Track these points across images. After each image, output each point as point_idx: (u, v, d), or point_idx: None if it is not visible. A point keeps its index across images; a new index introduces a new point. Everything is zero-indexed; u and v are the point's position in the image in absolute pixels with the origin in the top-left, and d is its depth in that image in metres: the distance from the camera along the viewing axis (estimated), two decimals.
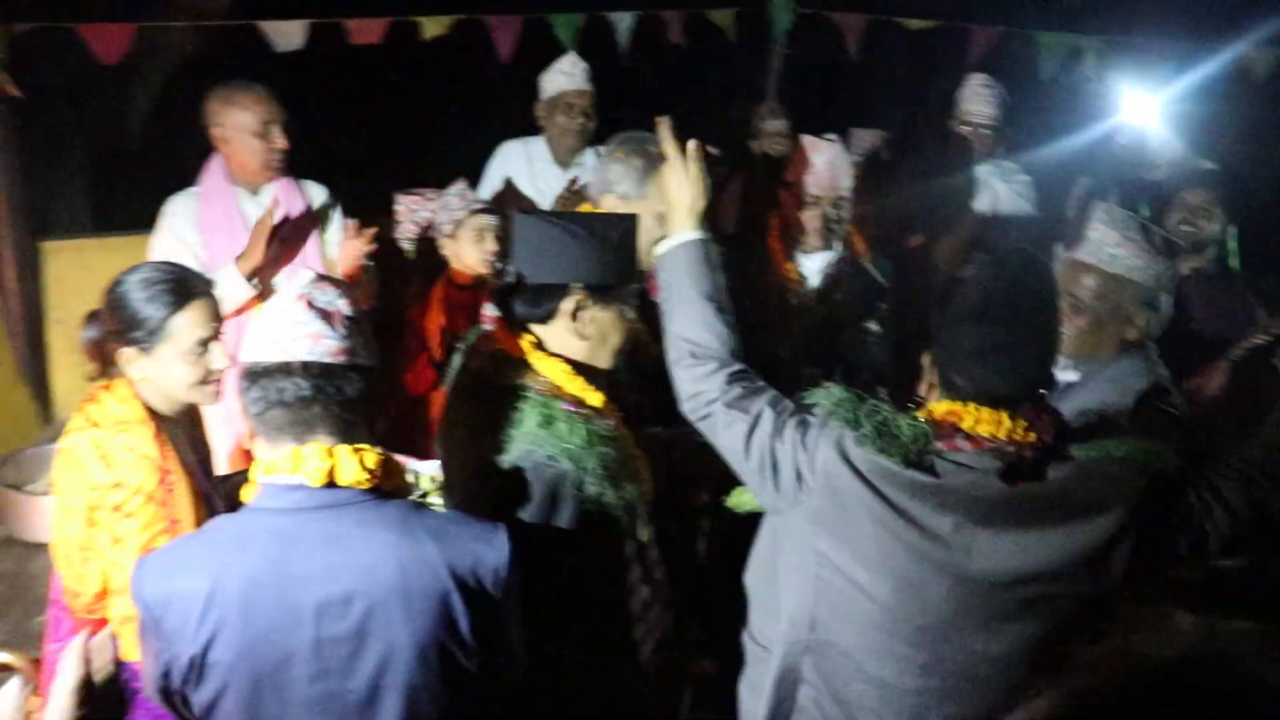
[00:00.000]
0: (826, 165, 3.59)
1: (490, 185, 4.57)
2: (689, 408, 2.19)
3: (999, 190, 4.77)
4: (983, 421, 1.95)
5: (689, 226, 2.26)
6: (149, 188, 3.98)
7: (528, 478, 2.14)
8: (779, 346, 3.62)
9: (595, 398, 2.27)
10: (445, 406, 2.34)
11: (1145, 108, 4.96)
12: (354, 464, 1.78)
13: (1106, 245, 2.74)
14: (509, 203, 4.44)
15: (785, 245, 3.70)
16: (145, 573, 1.79)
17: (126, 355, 2.37)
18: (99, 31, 4.37)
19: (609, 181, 2.86)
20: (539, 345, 2.29)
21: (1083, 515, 1.92)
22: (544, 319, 2.28)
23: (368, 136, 5.29)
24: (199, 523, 2.33)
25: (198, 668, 1.77)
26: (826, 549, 2.00)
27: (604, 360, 2.34)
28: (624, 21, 5.44)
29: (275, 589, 1.74)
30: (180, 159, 3.92)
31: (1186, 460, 2.06)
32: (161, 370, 2.38)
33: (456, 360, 2.37)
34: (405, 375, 3.86)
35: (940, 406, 2.00)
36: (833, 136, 3.65)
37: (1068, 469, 1.98)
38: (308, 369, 1.78)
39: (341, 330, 1.82)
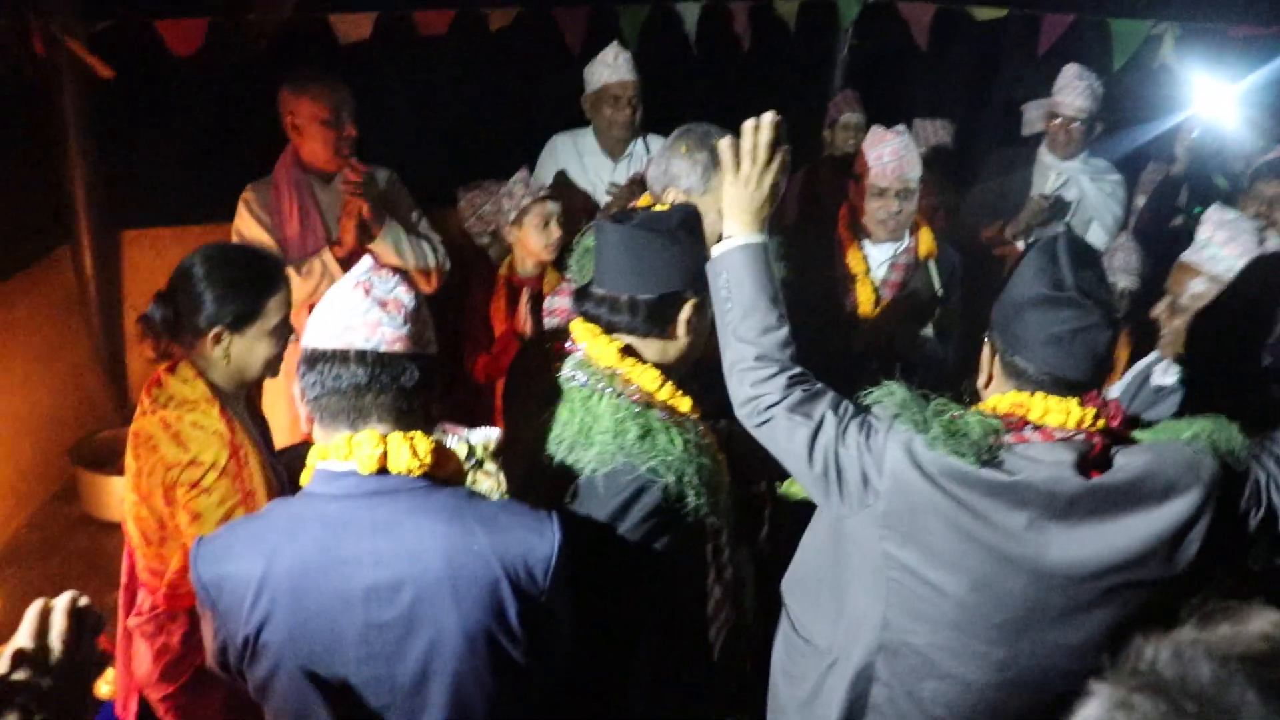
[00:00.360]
0: (893, 156, 3.55)
1: (541, 178, 4.57)
2: (746, 411, 2.15)
3: (1086, 189, 4.71)
4: (1051, 411, 1.93)
5: (752, 229, 2.19)
6: (223, 179, 4.06)
7: (627, 490, 2.09)
8: (841, 339, 3.60)
9: (685, 403, 2.23)
10: (519, 409, 2.31)
11: (1222, 97, 4.85)
12: (405, 451, 1.79)
13: (1213, 245, 2.70)
14: (562, 196, 4.46)
15: (853, 235, 3.67)
16: (201, 555, 1.82)
17: (213, 335, 2.40)
18: (173, 26, 4.48)
19: (673, 176, 2.80)
20: (629, 350, 2.23)
21: (1158, 500, 1.89)
22: (662, 333, 2.23)
23: (434, 128, 5.33)
24: (270, 496, 2.38)
25: (251, 647, 1.80)
26: (896, 551, 1.99)
27: (687, 363, 2.31)
28: (691, 13, 5.43)
29: (325, 573, 1.76)
30: (254, 150, 3.99)
31: (1253, 437, 2.02)
32: (247, 349, 2.43)
33: (531, 362, 2.36)
34: (471, 362, 3.91)
35: (1005, 399, 1.98)
36: (900, 128, 3.62)
37: (1139, 454, 1.94)
38: (364, 357, 1.79)
39: (399, 318, 1.82)
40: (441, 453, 1.86)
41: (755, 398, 2.12)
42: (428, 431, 1.86)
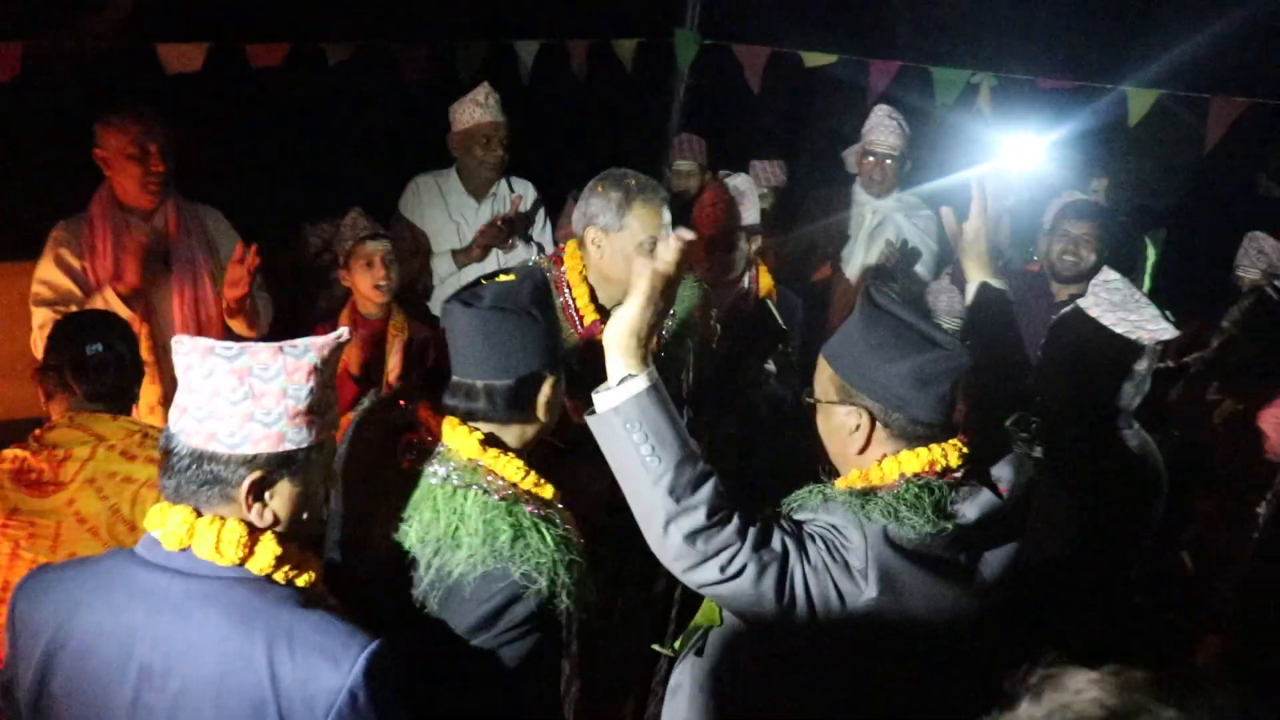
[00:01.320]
0: (731, 200, 3.64)
1: (404, 221, 4.51)
2: (707, 572, 1.93)
3: (902, 225, 4.89)
4: (950, 454, 2.02)
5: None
6: (40, 213, 3.87)
7: (499, 597, 1.95)
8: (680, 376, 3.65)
9: (548, 491, 2.10)
10: (363, 493, 2.17)
11: (1033, 142, 5.14)
12: (209, 538, 1.69)
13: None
14: (424, 240, 4.42)
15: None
16: (24, 586, 1.78)
17: None
18: None
19: (591, 214, 2.93)
20: (490, 439, 2.10)
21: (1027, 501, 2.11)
22: (523, 417, 2.13)
23: (267, 164, 5.20)
24: None
25: (34, 694, 1.73)
26: (878, 640, 1.99)
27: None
28: (528, 51, 5.46)
29: (110, 639, 1.68)
30: (75, 184, 3.82)
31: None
32: None
33: (353, 430, 2.23)
34: None
35: (909, 460, 2.01)
36: (734, 174, 3.70)
37: (1002, 467, 2.13)
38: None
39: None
40: (262, 546, 1.72)
41: (716, 555, 1.91)
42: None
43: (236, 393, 1.68)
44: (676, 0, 6.07)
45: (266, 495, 1.73)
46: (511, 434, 2.15)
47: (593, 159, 5.98)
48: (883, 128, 4.87)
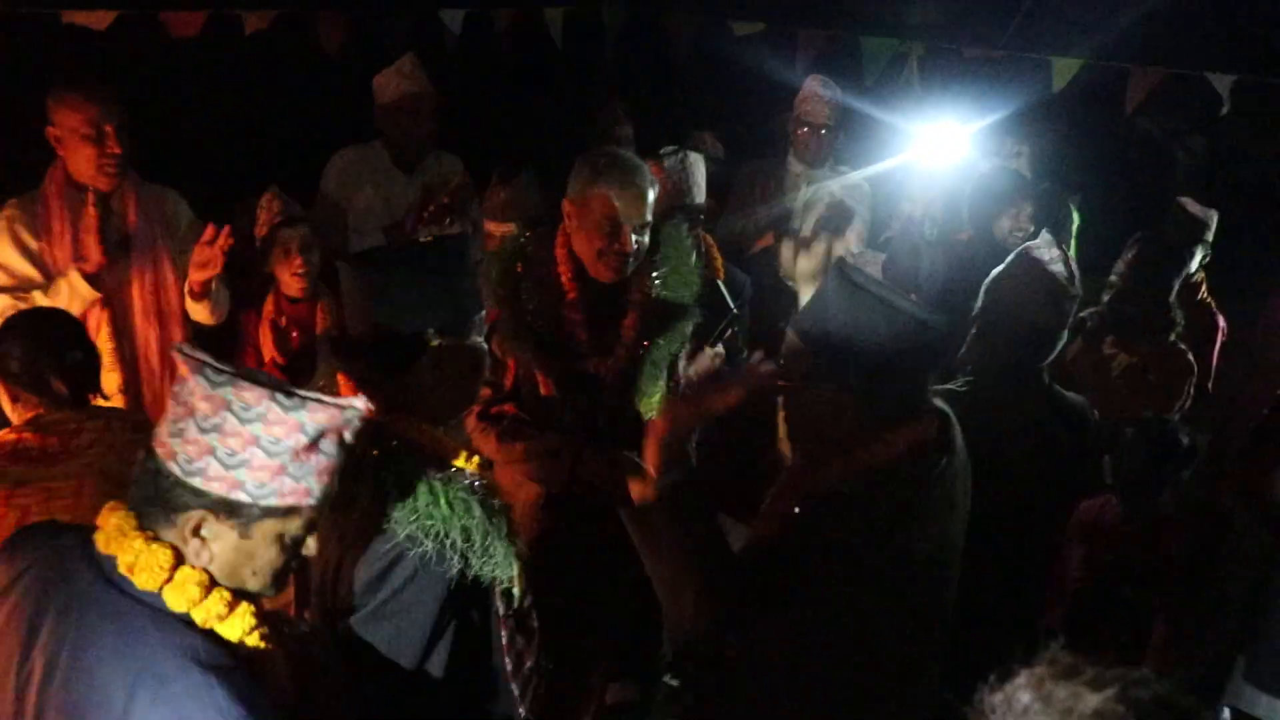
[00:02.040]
0: (676, 180, 3.55)
1: (329, 198, 4.37)
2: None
3: (836, 194, 4.89)
4: (930, 428, 2.04)
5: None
6: None
7: (383, 561, 1.93)
8: None
9: (461, 455, 2.08)
10: None
11: (964, 113, 5.16)
12: (132, 553, 1.59)
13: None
14: (345, 217, 4.29)
15: None
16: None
17: None
18: None
19: (569, 184, 2.97)
20: (394, 403, 2.06)
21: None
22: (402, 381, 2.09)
23: (188, 137, 5.01)
24: None
25: None
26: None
27: (449, 410, 2.20)
28: (454, 20, 5.34)
29: (30, 616, 1.61)
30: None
31: None
32: None
33: None
34: None
35: (894, 442, 1.98)
36: (675, 150, 3.62)
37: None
38: None
39: None
40: (186, 580, 1.60)
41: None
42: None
43: (207, 420, 1.56)
44: None
45: (206, 532, 1.60)
46: (404, 395, 2.09)
47: (520, 129, 5.95)
48: (815, 98, 4.86)
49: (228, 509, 1.59)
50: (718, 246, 3.85)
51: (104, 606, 1.57)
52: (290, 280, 3.71)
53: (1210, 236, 4.82)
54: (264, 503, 1.59)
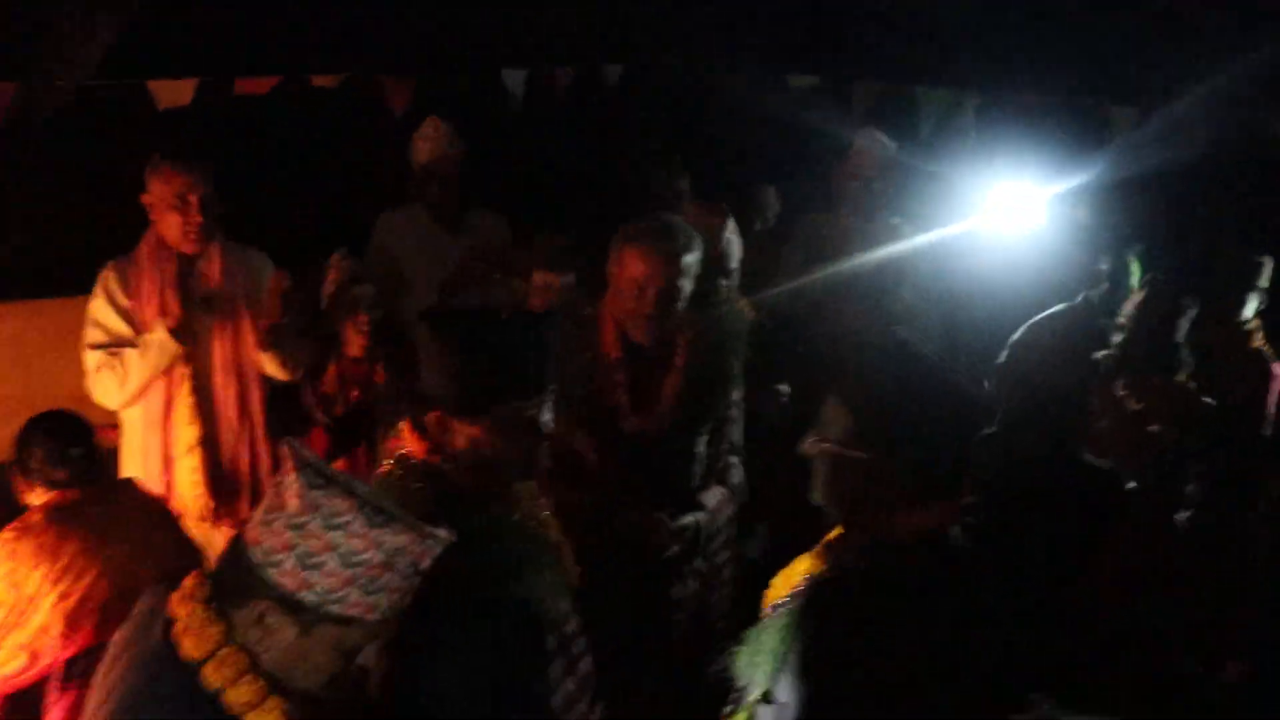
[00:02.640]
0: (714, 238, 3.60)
1: (374, 259, 4.46)
2: None
3: (890, 245, 4.92)
4: (953, 510, 1.96)
5: None
6: (38, 253, 3.90)
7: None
8: None
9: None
10: None
11: (1020, 162, 5.17)
12: (187, 620, 1.65)
13: None
14: (396, 277, 4.41)
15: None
16: None
17: None
18: None
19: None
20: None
21: None
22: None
23: (264, 197, 5.22)
24: None
25: None
26: None
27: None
28: (514, 79, 5.49)
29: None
30: (84, 221, 3.85)
31: None
32: None
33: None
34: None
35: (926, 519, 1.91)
36: (723, 207, 3.68)
37: None
38: None
39: None
40: (228, 662, 1.64)
41: None
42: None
43: (295, 518, 1.60)
44: (660, 27, 6.13)
45: (270, 622, 1.62)
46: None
47: (578, 189, 6.09)
48: (867, 151, 4.89)
49: (293, 606, 1.60)
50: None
51: (151, 660, 1.65)
52: (354, 337, 3.84)
53: (1264, 282, 4.75)
54: (327, 609, 1.61)
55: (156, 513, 3.12)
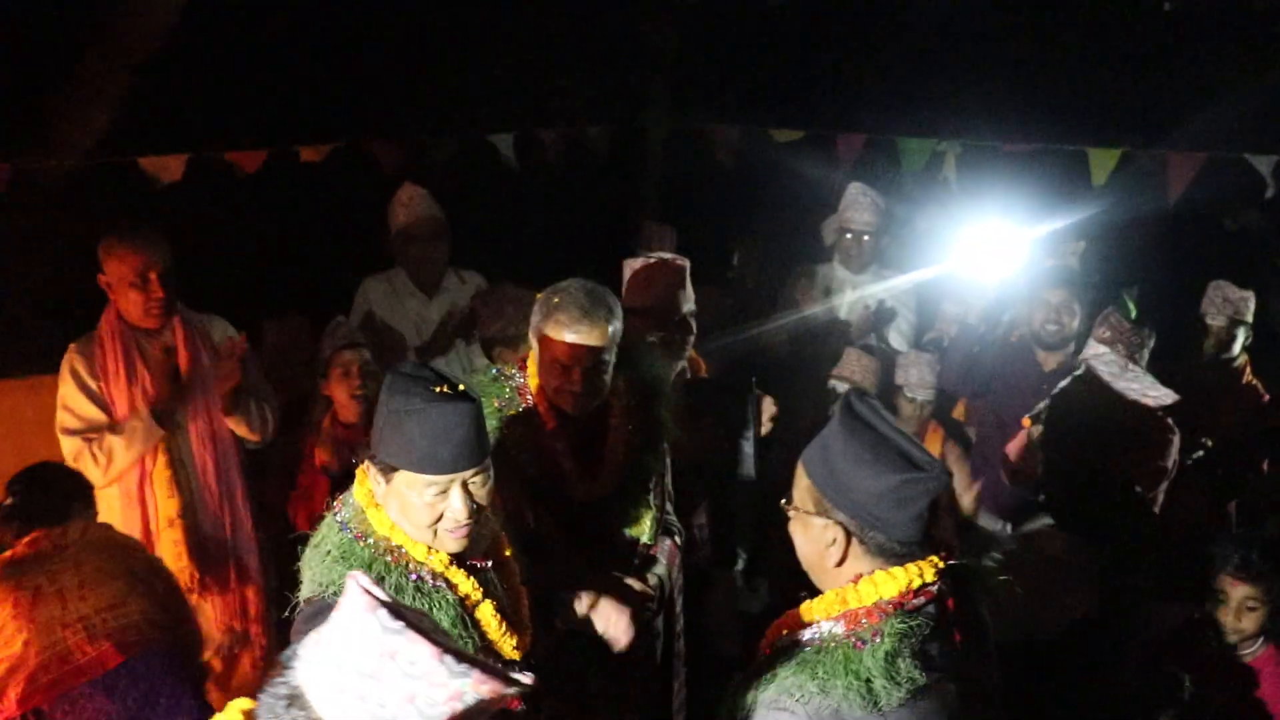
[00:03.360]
0: (667, 286, 3.64)
1: (356, 322, 4.51)
2: None
3: (879, 296, 5.00)
4: (928, 570, 1.96)
5: None
6: (44, 331, 3.96)
7: None
8: None
9: (438, 559, 2.16)
10: None
11: (1001, 209, 5.24)
12: None
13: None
14: (378, 339, 4.46)
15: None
16: None
17: None
18: None
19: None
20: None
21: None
22: None
23: (255, 267, 5.30)
24: None
25: None
26: None
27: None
28: (504, 143, 5.59)
29: None
30: (73, 301, 3.91)
31: None
32: None
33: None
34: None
35: (887, 582, 1.94)
36: (679, 259, 3.72)
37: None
38: None
39: None
40: None
41: None
42: None
43: (366, 665, 1.46)
44: (645, 85, 6.25)
45: None
46: None
47: (564, 245, 6.14)
48: (858, 205, 4.98)
49: None
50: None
51: None
52: (348, 402, 3.87)
53: (1249, 317, 4.81)
54: None
55: (126, 559, 3.03)
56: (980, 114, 5.86)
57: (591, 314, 2.80)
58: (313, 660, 1.51)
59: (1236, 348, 4.77)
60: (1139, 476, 3.57)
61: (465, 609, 2.14)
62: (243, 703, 1.68)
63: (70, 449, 3.58)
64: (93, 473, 3.50)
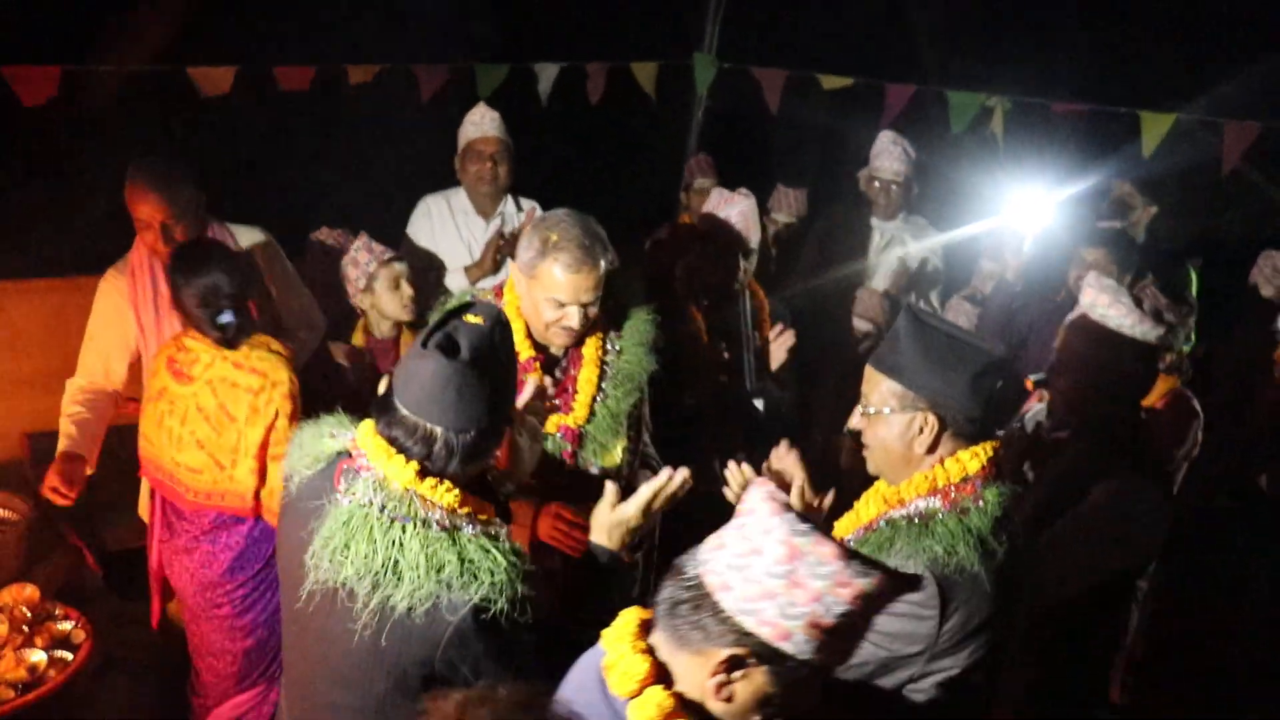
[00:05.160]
0: (740, 218, 3.72)
1: (416, 238, 4.62)
2: None
3: (909, 245, 4.98)
4: (994, 446, 2.26)
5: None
6: (88, 231, 4.02)
7: (451, 623, 1.93)
8: (686, 396, 3.70)
9: (487, 509, 2.11)
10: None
11: (1047, 170, 5.18)
12: (622, 663, 1.69)
13: (1099, 308, 3.02)
14: (427, 258, 4.52)
15: (693, 294, 3.78)
16: None
17: None
18: (23, 74, 4.38)
19: (520, 250, 2.89)
20: (425, 470, 2.02)
21: None
22: (473, 465, 2.10)
23: (297, 183, 5.35)
24: None
25: None
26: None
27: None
28: (548, 73, 5.58)
29: None
30: (110, 205, 3.97)
31: None
32: None
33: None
34: None
35: (971, 459, 2.23)
36: (744, 191, 3.78)
37: None
38: None
39: None
40: (654, 700, 1.68)
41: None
42: None
43: (777, 566, 1.57)
44: (695, 24, 6.19)
45: (737, 674, 1.62)
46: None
47: (610, 181, 6.15)
48: (887, 154, 4.97)
49: (771, 656, 1.59)
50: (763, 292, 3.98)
51: (591, 687, 1.71)
52: (399, 312, 3.93)
53: None
54: (805, 657, 1.59)
55: None
56: (1032, 71, 5.78)
57: (592, 252, 2.79)
58: (716, 563, 1.62)
59: None
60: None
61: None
62: (638, 612, 1.76)
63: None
64: None
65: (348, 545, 1.96)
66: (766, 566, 1.57)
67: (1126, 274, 4.16)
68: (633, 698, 1.65)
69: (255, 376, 3.26)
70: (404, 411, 2.01)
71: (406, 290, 3.94)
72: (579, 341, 2.98)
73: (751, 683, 1.62)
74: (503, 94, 5.23)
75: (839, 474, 2.82)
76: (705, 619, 1.61)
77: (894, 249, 4.99)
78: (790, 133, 6.55)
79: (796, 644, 1.57)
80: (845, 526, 2.40)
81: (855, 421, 2.33)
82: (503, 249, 4.45)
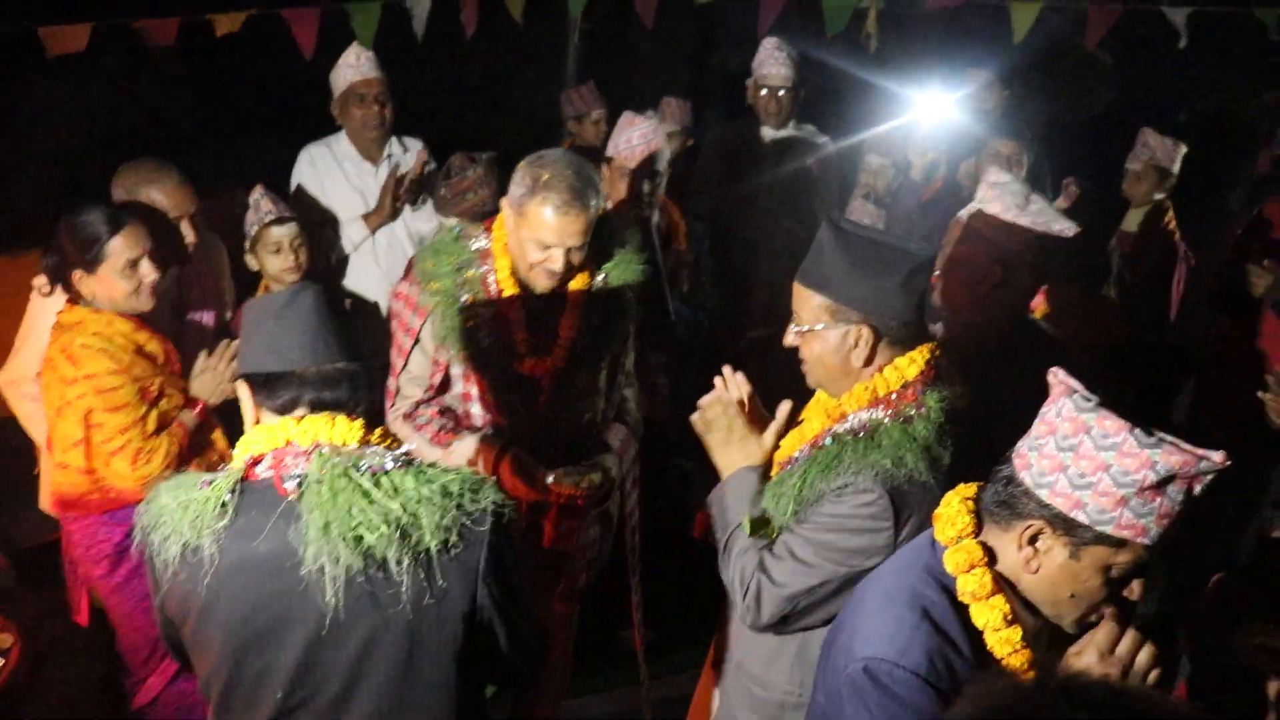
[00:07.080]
0: (642, 139, 3.71)
1: (304, 190, 4.47)
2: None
3: (801, 153, 5.04)
4: (934, 348, 2.28)
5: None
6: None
7: (482, 542, 1.95)
8: None
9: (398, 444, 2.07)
10: None
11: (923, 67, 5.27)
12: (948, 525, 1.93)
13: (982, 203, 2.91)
14: (319, 210, 4.39)
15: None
16: None
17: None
18: None
19: (511, 186, 2.82)
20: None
21: None
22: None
23: (163, 141, 5.10)
24: None
25: None
26: None
27: None
28: (421, 8, 5.41)
29: None
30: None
31: None
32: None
33: None
34: None
35: (907, 364, 2.25)
36: (650, 113, 3.78)
37: None
38: None
39: None
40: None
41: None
42: None
43: (1065, 440, 1.72)
44: None
45: (1041, 544, 1.78)
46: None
47: (489, 114, 6.05)
48: (773, 60, 4.99)
49: (1065, 525, 1.73)
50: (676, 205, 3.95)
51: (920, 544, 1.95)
52: (282, 275, 3.83)
53: (1175, 168, 4.94)
54: (1100, 528, 1.70)
55: None
56: None
57: (582, 194, 2.73)
58: (1021, 445, 1.80)
59: (1161, 194, 4.89)
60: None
61: None
62: (966, 489, 1.94)
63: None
64: None
65: (352, 519, 1.84)
66: (1057, 441, 1.72)
67: (1030, 161, 4.30)
68: (949, 546, 1.85)
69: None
70: (310, 367, 1.93)
71: (287, 254, 3.83)
72: (563, 284, 2.93)
73: (1054, 556, 1.76)
74: (379, 35, 5.06)
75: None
76: (1013, 499, 1.78)
77: (786, 157, 5.03)
78: (667, 51, 6.51)
79: (1089, 513, 1.69)
80: (792, 442, 2.42)
81: (790, 339, 2.33)
82: (400, 193, 4.35)
